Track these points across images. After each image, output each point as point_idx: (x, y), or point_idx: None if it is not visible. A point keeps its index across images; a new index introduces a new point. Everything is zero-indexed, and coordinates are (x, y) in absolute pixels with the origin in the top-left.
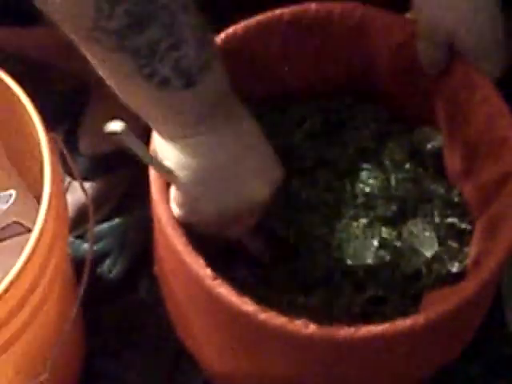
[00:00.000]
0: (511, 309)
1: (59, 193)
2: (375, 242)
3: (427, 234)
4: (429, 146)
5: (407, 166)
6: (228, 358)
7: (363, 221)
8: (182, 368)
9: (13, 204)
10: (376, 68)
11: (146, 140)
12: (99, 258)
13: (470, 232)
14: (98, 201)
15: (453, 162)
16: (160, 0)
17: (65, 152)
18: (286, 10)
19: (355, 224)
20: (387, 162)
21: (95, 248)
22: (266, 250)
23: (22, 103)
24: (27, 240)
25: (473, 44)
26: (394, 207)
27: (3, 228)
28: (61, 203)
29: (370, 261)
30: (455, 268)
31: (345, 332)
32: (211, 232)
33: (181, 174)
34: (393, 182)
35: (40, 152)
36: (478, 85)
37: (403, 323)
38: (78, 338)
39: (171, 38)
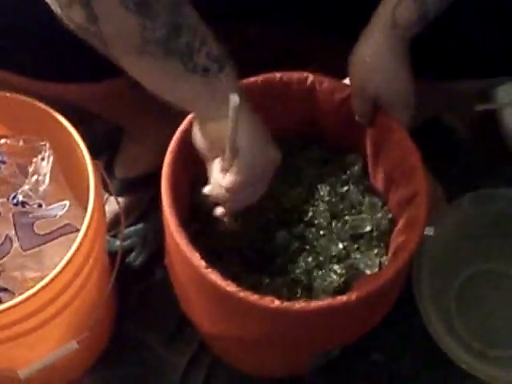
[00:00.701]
0: (418, 290)
1: (100, 204)
2: None
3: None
4: (356, 167)
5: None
6: (217, 324)
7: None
8: (183, 331)
9: (66, 211)
10: (323, 118)
11: None
12: (127, 252)
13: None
14: (127, 211)
15: (377, 184)
16: (183, 11)
17: (104, 175)
18: (259, 77)
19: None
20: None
21: (124, 244)
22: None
23: (75, 139)
24: (76, 237)
25: (391, 101)
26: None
27: (59, 228)
28: (101, 211)
29: None
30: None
31: (299, 305)
32: (243, 199)
33: (246, 143)
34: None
35: (87, 174)
36: (395, 129)
37: (341, 299)
38: (110, 308)
39: (199, 36)
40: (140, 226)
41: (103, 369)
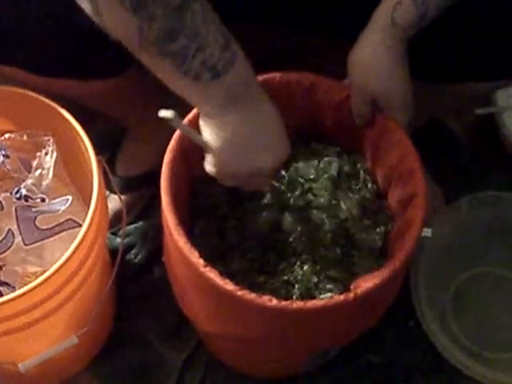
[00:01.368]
0: (416, 291)
1: (103, 199)
2: None
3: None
4: (358, 167)
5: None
6: (214, 322)
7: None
8: (182, 328)
9: (69, 206)
10: (322, 119)
11: None
12: (127, 249)
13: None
14: (127, 209)
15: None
16: (185, 17)
17: (108, 171)
18: (259, 77)
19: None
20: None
21: (125, 241)
22: None
23: (79, 134)
24: (78, 232)
25: (390, 102)
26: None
27: (61, 223)
28: (103, 207)
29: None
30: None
31: (297, 305)
32: (236, 185)
33: (214, 142)
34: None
35: (90, 170)
36: (393, 131)
37: (338, 298)
38: (110, 304)
39: (196, 44)
40: (140, 223)
41: (101, 364)
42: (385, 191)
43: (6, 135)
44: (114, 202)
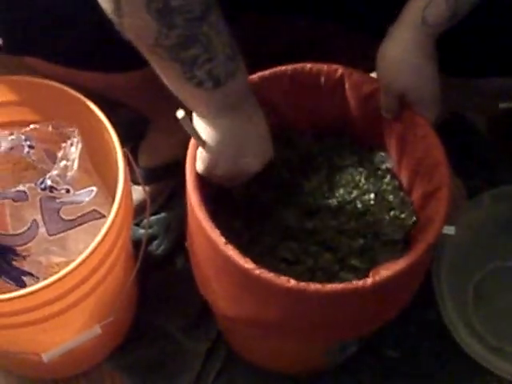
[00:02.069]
0: (438, 285)
1: (128, 191)
2: None
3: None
4: (383, 166)
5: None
6: (234, 304)
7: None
8: (203, 319)
9: (93, 197)
10: (350, 112)
11: None
12: (150, 240)
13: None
14: (150, 200)
15: (401, 178)
16: (202, 28)
17: (132, 163)
18: (288, 66)
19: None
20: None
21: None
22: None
23: (104, 126)
24: (102, 223)
25: (418, 97)
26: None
27: (85, 214)
28: (129, 199)
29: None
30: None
31: (315, 287)
32: (220, 182)
33: (208, 141)
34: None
35: (115, 161)
36: (419, 125)
37: (356, 284)
38: (133, 295)
39: (207, 54)
40: (163, 214)
41: (123, 355)
42: (409, 185)
43: (31, 126)
44: (137, 192)
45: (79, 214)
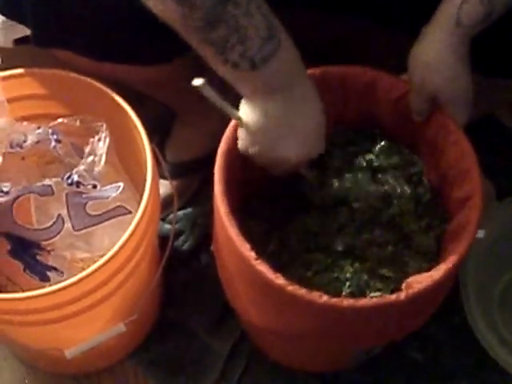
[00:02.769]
0: (464, 288)
1: (156, 188)
2: None
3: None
4: (414, 170)
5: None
6: (262, 315)
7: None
8: (227, 318)
9: (120, 193)
10: (380, 114)
11: None
12: (176, 235)
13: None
14: (177, 195)
15: (431, 183)
16: (227, 8)
17: (160, 158)
18: (317, 69)
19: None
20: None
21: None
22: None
23: (132, 121)
24: (128, 219)
25: (451, 99)
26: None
27: (111, 210)
28: (156, 195)
29: None
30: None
31: (348, 302)
32: (258, 163)
33: (248, 120)
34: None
35: (143, 157)
36: (451, 130)
37: (390, 298)
38: (158, 292)
39: (236, 36)
40: (189, 210)
41: (146, 352)
42: (439, 191)
43: (59, 120)
44: (164, 187)
45: (105, 210)
